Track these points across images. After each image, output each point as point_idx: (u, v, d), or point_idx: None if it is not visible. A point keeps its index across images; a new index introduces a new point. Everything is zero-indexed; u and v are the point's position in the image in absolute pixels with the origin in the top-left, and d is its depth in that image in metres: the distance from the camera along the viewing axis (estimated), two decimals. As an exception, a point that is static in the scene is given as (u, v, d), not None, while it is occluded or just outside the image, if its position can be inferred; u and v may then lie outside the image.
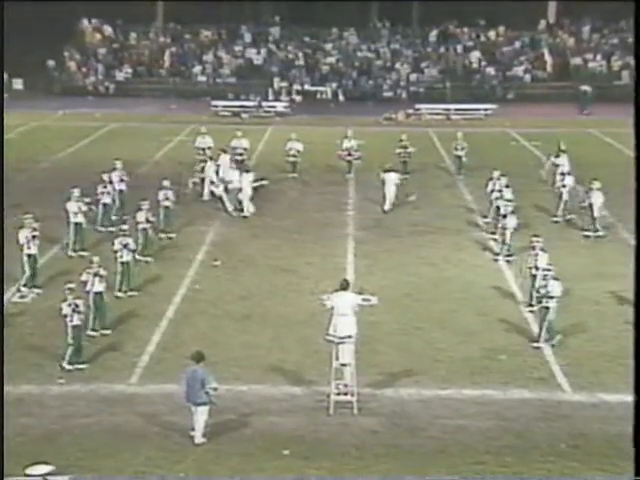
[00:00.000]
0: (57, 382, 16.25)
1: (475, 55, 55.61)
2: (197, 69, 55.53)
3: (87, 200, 23.87)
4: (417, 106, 47.99)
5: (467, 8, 54.45)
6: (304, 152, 32.81)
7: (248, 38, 57.81)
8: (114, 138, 40.09)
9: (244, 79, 54.00)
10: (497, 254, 23.16)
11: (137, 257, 21.84)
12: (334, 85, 53.59)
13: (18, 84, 52.71)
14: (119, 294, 20.23)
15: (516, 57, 55.79)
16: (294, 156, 32.51)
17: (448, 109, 47.55)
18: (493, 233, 24.51)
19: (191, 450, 14.03)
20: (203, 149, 32.22)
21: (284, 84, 53.13)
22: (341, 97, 53.02)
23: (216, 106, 47.93)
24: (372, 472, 13.46)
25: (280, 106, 48.98)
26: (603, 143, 39.00)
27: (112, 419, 14.98)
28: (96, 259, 18.51)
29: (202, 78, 55.09)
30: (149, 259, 22.77)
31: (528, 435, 14.62)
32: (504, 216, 23.27)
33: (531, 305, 19.57)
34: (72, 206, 23.21)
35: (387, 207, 27.66)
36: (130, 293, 20.45)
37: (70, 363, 16.71)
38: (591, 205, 24.93)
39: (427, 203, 28.56)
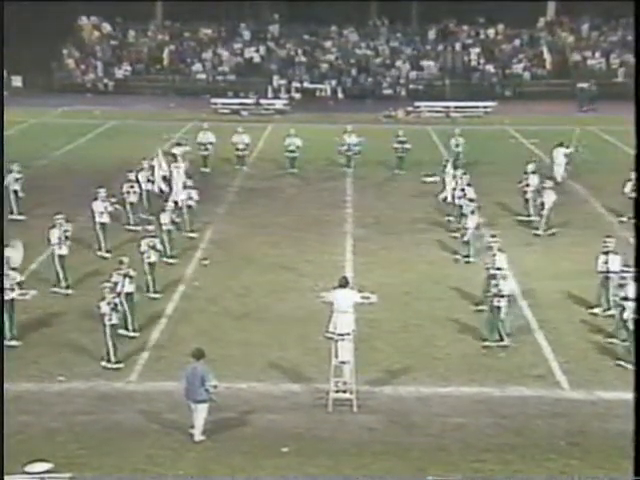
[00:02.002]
0: (57, 379, 16.25)
1: (474, 53, 55.62)
2: (196, 67, 55.48)
3: (113, 200, 23.71)
4: (416, 104, 47.96)
5: (466, 6, 54.45)
6: (303, 149, 32.84)
7: (247, 36, 57.79)
8: (113, 136, 40.10)
9: (243, 77, 53.98)
10: (457, 253, 23.15)
11: (164, 259, 21.79)
12: (333, 83, 53.54)
13: (17, 81, 52.65)
14: (151, 295, 20.13)
15: (515, 55, 55.78)
16: (293, 152, 32.53)
17: (447, 107, 47.52)
18: (454, 232, 24.50)
19: (191, 447, 14.03)
20: (205, 144, 32.48)
21: (283, 82, 53.12)
22: (340, 95, 52.98)
23: (215, 104, 47.90)
24: (371, 470, 13.45)
25: (279, 104, 48.98)
26: (601, 140, 38.98)
27: (112, 417, 14.98)
28: (126, 260, 18.36)
29: (201, 76, 55.04)
30: (175, 260, 22.62)
31: (527, 433, 14.62)
32: (465, 215, 23.26)
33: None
34: (98, 206, 22.93)
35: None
36: (157, 294, 20.32)
37: (109, 362, 16.74)
38: (542, 204, 24.94)
39: (426, 200, 28.52)
